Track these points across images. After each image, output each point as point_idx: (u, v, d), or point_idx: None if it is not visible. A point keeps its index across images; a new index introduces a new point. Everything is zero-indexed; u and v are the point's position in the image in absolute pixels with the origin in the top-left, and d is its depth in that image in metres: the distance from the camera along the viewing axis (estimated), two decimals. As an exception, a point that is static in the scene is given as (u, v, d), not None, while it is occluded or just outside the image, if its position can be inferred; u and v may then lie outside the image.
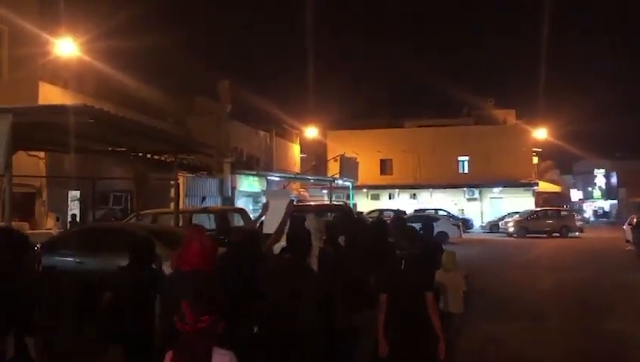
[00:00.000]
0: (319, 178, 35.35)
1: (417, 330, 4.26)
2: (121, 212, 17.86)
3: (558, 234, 29.96)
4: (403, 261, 4.40)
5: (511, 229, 31.06)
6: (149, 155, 16.49)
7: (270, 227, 5.31)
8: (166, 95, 25.61)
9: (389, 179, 43.06)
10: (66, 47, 17.47)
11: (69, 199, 17.07)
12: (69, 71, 19.20)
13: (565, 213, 33.69)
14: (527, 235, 29.80)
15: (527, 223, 31.18)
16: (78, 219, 15.57)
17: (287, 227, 5.06)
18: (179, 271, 3.98)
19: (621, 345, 7.43)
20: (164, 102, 25.10)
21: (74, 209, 16.74)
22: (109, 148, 14.50)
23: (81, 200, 17.07)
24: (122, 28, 23.57)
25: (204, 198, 20.82)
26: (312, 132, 39.94)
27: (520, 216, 32.65)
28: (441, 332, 4.27)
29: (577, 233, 31.10)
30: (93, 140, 12.49)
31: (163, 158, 17.69)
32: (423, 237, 4.94)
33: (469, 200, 41.45)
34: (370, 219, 9.89)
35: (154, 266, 4.66)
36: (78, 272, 9.53)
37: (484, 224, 37.38)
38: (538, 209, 33.53)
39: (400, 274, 4.34)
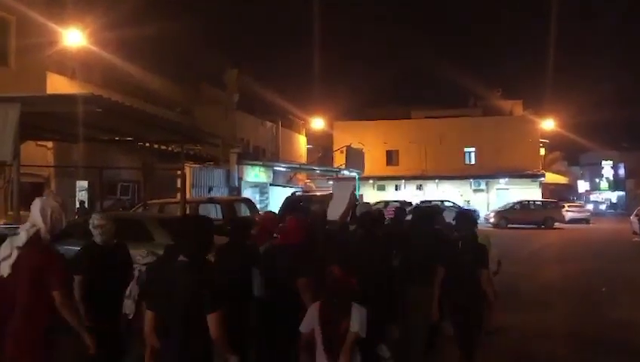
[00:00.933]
0: (325, 169, 35.36)
1: (471, 302, 4.94)
2: (128, 202, 17.96)
3: (543, 226, 29.90)
4: (460, 242, 5.21)
5: (492, 220, 31.06)
6: (156, 145, 16.56)
7: (334, 212, 6.04)
8: (173, 84, 25.69)
9: (395, 170, 43.01)
10: (74, 37, 17.52)
11: (77, 189, 17.18)
12: (77, 61, 19.26)
13: (552, 205, 33.52)
14: (509, 226, 29.76)
15: (507, 214, 31.19)
16: (86, 206, 15.65)
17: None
18: (280, 246, 4.50)
19: (625, 331, 7.47)
20: (172, 92, 25.17)
21: (82, 198, 16.86)
22: (117, 138, 14.59)
23: (90, 190, 17.17)
24: (129, 17, 23.55)
25: (210, 189, 20.90)
26: (318, 123, 39.92)
27: (500, 208, 32.83)
28: (493, 305, 5.08)
29: (563, 224, 31.20)
30: (100, 130, 12.57)
31: (170, 149, 17.77)
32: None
33: (475, 191, 41.36)
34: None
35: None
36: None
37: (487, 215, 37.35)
38: (521, 200, 33.43)
39: (458, 254, 5.11)
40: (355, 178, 31.89)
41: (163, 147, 17.24)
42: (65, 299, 3.51)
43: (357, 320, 3.70)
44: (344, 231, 5.88)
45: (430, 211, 6.63)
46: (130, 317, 4.53)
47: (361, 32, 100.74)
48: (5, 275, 3.49)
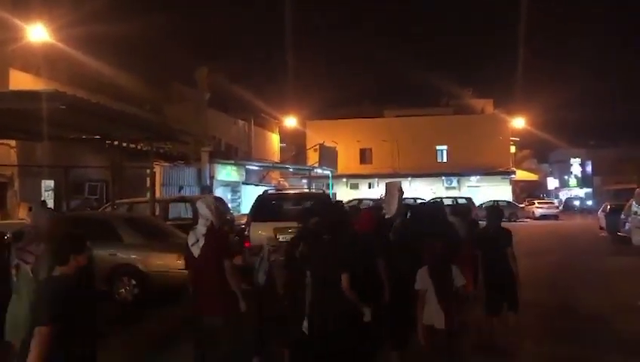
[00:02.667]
0: (298, 167, 35.27)
1: (503, 275, 6.23)
2: (96, 201, 17.57)
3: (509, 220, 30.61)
4: (490, 229, 6.60)
5: None
6: (124, 144, 16.23)
7: (389, 208, 7.24)
8: (143, 82, 25.20)
9: (368, 168, 43.18)
10: (38, 32, 17.02)
11: (43, 189, 16.72)
12: (42, 58, 18.73)
13: (513, 204, 35.37)
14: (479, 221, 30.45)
15: (479, 211, 32.03)
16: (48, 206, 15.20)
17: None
18: (354, 234, 5.39)
19: (595, 322, 7.58)
20: (141, 90, 24.69)
21: (47, 199, 16.41)
22: (83, 136, 14.25)
23: (55, 190, 16.73)
24: (98, 13, 23.02)
25: (181, 188, 20.60)
26: (291, 121, 39.77)
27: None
28: (518, 277, 6.30)
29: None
30: (66, 128, 12.26)
31: (139, 147, 17.44)
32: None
33: (447, 188, 41.75)
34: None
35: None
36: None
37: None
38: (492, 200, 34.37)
39: (491, 237, 6.46)
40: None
41: (132, 145, 16.90)
42: (230, 266, 5.10)
43: (458, 277, 5.19)
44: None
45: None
46: (262, 285, 5.50)
47: (334, 32, 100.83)
48: (196, 256, 5.12)
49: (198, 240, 5.13)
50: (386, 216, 7.09)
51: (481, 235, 6.80)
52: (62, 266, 3.51)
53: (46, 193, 16.70)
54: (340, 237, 4.90)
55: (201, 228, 5.17)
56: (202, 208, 5.20)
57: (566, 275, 12.09)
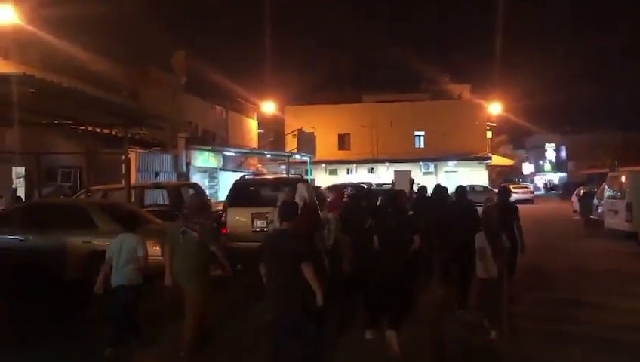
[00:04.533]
0: (276, 153, 35.09)
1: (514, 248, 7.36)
2: (70, 188, 17.22)
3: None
4: (497, 208, 7.44)
5: None
6: (98, 129, 15.91)
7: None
8: (118, 66, 24.66)
9: (347, 154, 43.20)
10: (7, 14, 16.45)
11: (14, 176, 16.31)
12: (11, 41, 18.17)
13: (489, 188, 35.54)
14: None
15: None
16: (18, 194, 14.83)
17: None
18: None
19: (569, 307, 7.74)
20: (117, 74, 24.17)
21: (19, 186, 16.02)
22: (55, 122, 13.92)
23: (27, 177, 16.33)
24: (69, -6, 22.42)
25: (157, 174, 20.30)
26: (269, 107, 39.45)
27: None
28: (523, 243, 7.62)
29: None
30: (37, 113, 11.97)
31: (114, 133, 17.10)
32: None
33: (424, 174, 42.00)
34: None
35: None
36: (20, 250, 9.17)
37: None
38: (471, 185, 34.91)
39: (495, 216, 7.00)
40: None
41: (106, 131, 16.57)
42: (320, 235, 6.33)
43: (505, 238, 6.67)
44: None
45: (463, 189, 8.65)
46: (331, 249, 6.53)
47: (313, 17, 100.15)
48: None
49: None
50: None
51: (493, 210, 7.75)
52: (287, 223, 4.91)
53: (17, 180, 16.31)
54: (400, 211, 6.62)
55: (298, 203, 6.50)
56: (302, 190, 6.81)
57: (545, 258, 12.26)
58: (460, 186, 8.46)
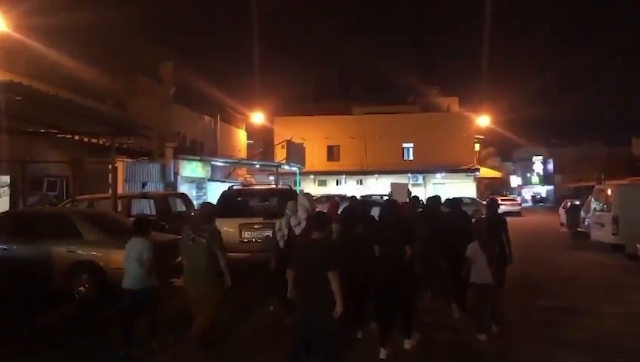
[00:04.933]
0: (265, 163, 34.99)
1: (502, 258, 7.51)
2: (55, 198, 17.00)
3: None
4: (486, 220, 7.96)
5: None
6: (85, 138, 15.77)
7: None
8: (106, 75, 24.52)
9: (336, 165, 43.25)
10: (-6, 22, 16.33)
11: (-1, 184, 16.06)
12: (-3, 48, 18.00)
13: (477, 201, 36.06)
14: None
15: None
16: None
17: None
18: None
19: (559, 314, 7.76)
20: (104, 83, 24.02)
21: (3, 195, 15.77)
22: (42, 130, 13.78)
23: (12, 186, 16.08)
24: (58, 1, 22.33)
25: (144, 184, 20.09)
26: (258, 117, 39.42)
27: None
28: (511, 255, 7.78)
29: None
30: (23, 121, 11.85)
31: (101, 142, 16.96)
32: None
33: (413, 185, 42.03)
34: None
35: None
36: (3, 259, 9.01)
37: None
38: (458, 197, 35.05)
39: (485, 228, 7.46)
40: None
41: (93, 140, 16.44)
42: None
43: (498, 248, 7.19)
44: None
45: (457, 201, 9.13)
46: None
47: (303, 29, 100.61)
48: (297, 233, 7.23)
49: (300, 223, 7.39)
50: None
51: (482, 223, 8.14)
52: (320, 232, 5.30)
53: (1, 189, 16.06)
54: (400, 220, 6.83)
55: (302, 214, 7.41)
56: (303, 200, 7.52)
57: (533, 268, 12.28)
58: (455, 198, 8.81)
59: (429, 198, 9.27)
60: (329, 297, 4.89)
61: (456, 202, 8.76)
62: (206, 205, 6.93)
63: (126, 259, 6.42)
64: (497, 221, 7.86)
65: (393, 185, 10.37)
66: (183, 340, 6.48)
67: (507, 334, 6.97)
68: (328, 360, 4.99)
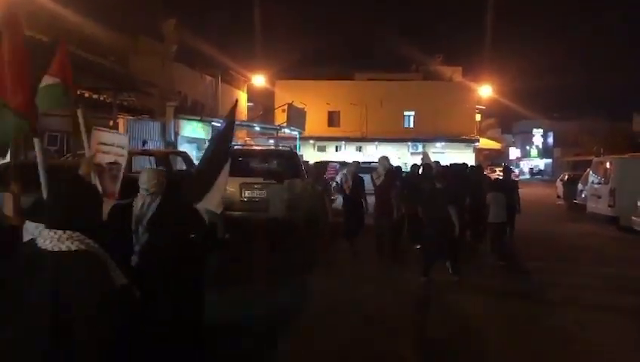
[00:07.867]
0: (265, 126, 34.88)
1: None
2: (56, 152, 17.03)
3: None
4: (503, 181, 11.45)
5: None
6: (87, 94, 15.70)
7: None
8: (107, 31, 24.22)
9: (336, 131, 43.13)
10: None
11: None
12: (-2, -1, 17.74)
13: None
14: None
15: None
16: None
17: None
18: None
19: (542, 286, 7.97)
20: (105, 39, 23.74)
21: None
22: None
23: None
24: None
25: (144, 142, 20.08)
26: (259, 80, 39.09)
27: None
28: (520, 207, 11.42)
29: None
30: (24, 73, 11.74)
31: (102, 98, 16.89)
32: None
33: (412, 154, 42.12)
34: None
35: None
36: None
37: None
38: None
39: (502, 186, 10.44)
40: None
41: (95, 96, 16.36)
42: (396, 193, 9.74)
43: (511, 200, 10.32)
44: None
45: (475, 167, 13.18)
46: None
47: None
48: (378, 184, 9.89)
49: (380, 176, 9.83)
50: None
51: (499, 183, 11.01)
52: (441, 183, 8.81)
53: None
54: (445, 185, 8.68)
55: (381, 170, 9.88)
56: (384, 161, 9.99)
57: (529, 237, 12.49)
58: (479, 165, 13.32)
59: (456, 165, 12.53)
60: (451, 223, 7.88)
61: (480, 168, 13.30)
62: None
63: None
64: (511, 182, 11.36)
65: (424, 153, 14.37)
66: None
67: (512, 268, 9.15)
68: (453, 258, 8.11)
